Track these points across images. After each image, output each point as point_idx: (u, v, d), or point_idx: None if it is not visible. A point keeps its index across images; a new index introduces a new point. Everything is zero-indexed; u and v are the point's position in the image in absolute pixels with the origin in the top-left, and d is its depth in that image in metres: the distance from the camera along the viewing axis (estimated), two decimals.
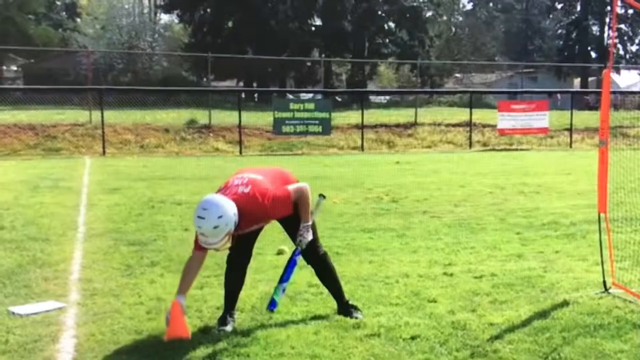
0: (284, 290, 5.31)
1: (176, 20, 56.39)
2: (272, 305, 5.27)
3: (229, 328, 5.16)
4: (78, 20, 53.69)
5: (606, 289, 6.04)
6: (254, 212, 4.97)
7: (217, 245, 4.92)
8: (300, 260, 5.36)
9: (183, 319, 4.95)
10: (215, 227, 4.79)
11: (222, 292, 5.61)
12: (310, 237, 5.21)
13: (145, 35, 49.51)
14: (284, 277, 5.28)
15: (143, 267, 7.16)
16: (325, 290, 5.90)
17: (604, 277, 6.13)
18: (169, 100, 29.87)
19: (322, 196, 5.55)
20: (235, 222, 4.87)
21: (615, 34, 49.61)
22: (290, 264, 5.29)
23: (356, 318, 5.33)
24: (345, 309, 5.45)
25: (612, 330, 5.05)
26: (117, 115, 25.19)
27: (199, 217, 4.82)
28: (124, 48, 45.39)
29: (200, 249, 5.04)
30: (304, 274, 6.68)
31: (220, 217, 4.78)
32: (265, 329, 5.14)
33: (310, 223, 5.21)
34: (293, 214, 5.16)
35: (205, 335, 5.02)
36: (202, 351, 4.70)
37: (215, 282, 6.48)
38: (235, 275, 5.37)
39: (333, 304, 5.58)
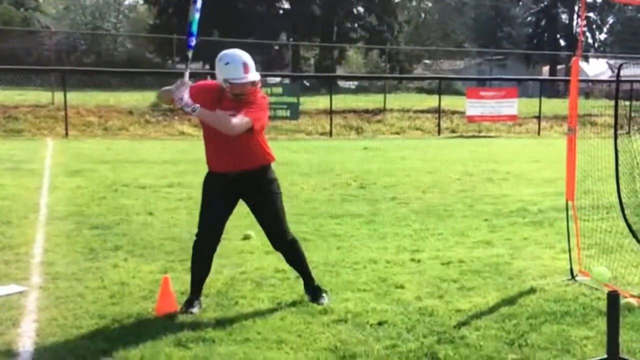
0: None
1: (141, 1, 55.57)
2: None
3: (195, 310, 5.11)
4: None
5: (573, 277, 6.07)
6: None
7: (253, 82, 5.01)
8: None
9: (172, 295, 5.14)
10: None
11: (186, 277, 5.53)
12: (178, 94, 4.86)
13: (109, 16, 48.85)
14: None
15: (106, 251, 7.05)
16: (292, 276, 5.85)
17: (570, 264, 6.16)
18: (134, 82, 29.45)
19: None
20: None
21: (584, 22, 50.16)
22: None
23: (321, 304, 5.28)
24: (313, 292, 5.40)
25: (578, 317, 5.07)
26: (80, 97, 24.78)
27: (228, 59, 4.97)
28: (88, 29, 44.71)
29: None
30: (271, 259, 6.63)
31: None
32: (231, 315, 5.09)
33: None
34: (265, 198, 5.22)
35: (170, 320, 4.95)
36: (167, 336, 4.63)
37: (180, 267, 6.40)
38: (203, 264, 5.29)
39: (300, 289, 5.53)
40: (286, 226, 5.36)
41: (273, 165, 5.34)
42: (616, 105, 6.13)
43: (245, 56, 5.02)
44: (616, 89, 6.89)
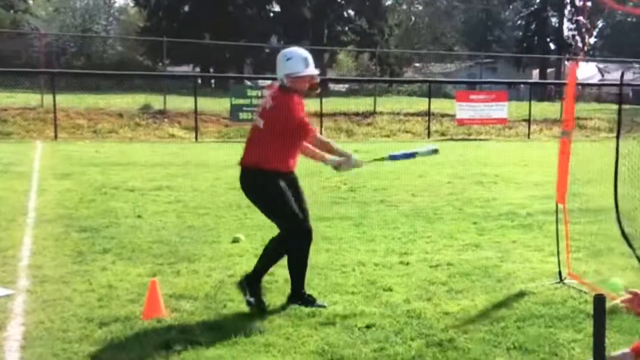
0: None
1: (131, 4, 55.47)
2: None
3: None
4: (30, 1, 52.49)
5: (561, 280, 6.07)
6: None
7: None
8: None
9: (160, 298, 5.09)
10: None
11: (175, 280, 5.50)
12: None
13: (99, 18, 48.73)
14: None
15: (94, 254, 7.01)
16: (281, 279, 5.83)
17: (559, 267, 6.16)
18: (123, 84, 29.34)
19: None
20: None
21: (575, 25, 50.20)
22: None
23: (323, 306, 5.30)
24: (303, 298, 5.37)
25: (567, 320, 5.08)
26: (69, 100, 24.68)
27: (292, 55, 5.49)
28: (78, 31, 44.57)
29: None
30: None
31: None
32: (219, 318, 5.07)
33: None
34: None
35: (157, 323, 4.93)
36: (154, 339, 4.62)
37: (168, 270, 6.38)
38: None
39: (288, 292, 5.50)
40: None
41: None
42: (619, 111, 6.14)
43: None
44: (620, 94, 6.90)
